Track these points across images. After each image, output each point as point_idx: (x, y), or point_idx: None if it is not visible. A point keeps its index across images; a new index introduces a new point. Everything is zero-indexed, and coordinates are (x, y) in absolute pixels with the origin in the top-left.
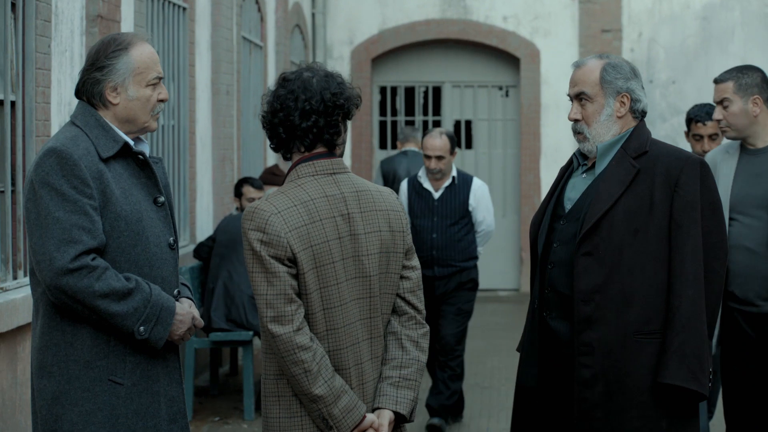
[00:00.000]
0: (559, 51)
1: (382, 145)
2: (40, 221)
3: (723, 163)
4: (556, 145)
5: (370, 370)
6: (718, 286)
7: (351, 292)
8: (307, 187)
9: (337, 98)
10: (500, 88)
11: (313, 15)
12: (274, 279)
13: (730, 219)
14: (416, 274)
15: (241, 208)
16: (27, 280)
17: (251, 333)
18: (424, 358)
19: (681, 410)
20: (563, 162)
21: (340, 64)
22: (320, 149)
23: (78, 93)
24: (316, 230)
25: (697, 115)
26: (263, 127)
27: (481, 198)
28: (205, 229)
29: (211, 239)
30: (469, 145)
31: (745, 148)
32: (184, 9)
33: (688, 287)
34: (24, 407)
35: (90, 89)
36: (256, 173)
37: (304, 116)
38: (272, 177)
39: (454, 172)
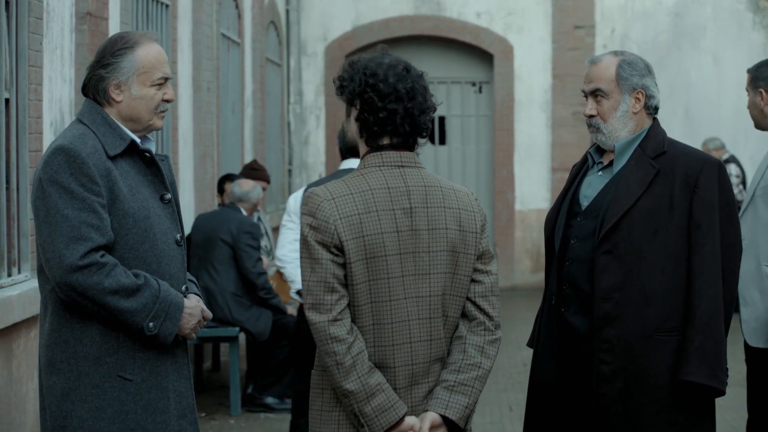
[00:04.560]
0: (532, 47)
1: None
2: (49, 219)
3: None
4: (530, 141)
5: (425, 373)
6: (734, 285)
7: (408, 289)
8: (369, 177)
9: (432, 98)
10: (473, 84)
11: (287, 12)
12: (317, 266)
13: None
14: (490, 279)
15: (222, 204)
16: (22, 276)
17: (237, 329)
18: (487, 364)
19: (698, 406)
20: (537, 158)
21: (314, 60)
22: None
23: (84, 89)
24: (370, 220)
25: None
26: (364, 110)
27: None
28: (187, 225)
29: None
30: (442, 141)
31: None
32: (167, 6)
33: (708, 286)
34: (19, 404)
35: (95, 86)
36: (234, 169)
37: (422, 112)
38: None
39: None
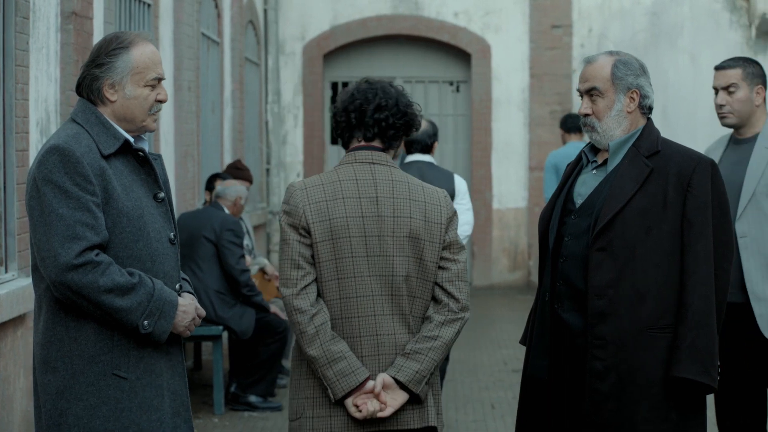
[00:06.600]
0: (509, 46)
1: (334, 141)
2: (44, 218)
3: (713, 153)
4: (507, 140)
5: (390, 344)
6: (726, 283)
7: (372, 267)
8: (341, 171)
9: (408, 108)
10: (451, 84)
11: (266, 11)
12: (285, 246)
13: None
14: (457, 267)
15: (210, 201)
16: (10, 276)
17: (221, 328)
18: (447, 336)
19: (690, 403)
20: (514, 157)
21: (292, 59)
22: (376, 143)
23: (78, 89)
24: (336, 206)
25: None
26: (335, 115)
27: None
28: None
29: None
30: None
31: (733, 137)
32: (149, 5)
33: (700, 285)
34: (6, 403)
35: (89, 85)
36: (215, 169)
37: (378, 109)
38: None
39: None
